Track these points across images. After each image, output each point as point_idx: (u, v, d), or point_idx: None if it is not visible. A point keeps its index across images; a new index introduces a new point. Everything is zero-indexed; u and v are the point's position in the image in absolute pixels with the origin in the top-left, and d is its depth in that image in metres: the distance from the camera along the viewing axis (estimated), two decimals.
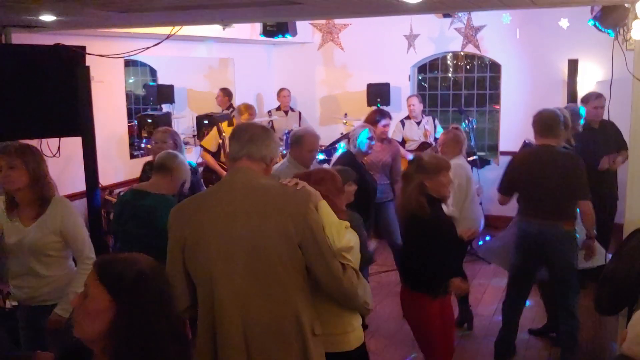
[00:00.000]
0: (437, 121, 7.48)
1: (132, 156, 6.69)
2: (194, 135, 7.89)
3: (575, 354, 4.12)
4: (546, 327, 4.74)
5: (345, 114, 7.92)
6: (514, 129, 7.25)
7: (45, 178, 3.13)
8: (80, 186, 4.68)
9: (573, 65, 6.81)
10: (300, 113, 8.21)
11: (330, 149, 7.01)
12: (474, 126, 7.38)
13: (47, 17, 3.91)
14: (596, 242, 4.13)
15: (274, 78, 8.60)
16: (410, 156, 6.13)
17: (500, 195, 4.30)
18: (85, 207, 4.58)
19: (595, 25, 4.40)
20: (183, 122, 8.35)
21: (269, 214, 2.24)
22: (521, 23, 7.23)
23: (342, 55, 8.28)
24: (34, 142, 3.58)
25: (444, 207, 3.44)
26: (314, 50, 8.35)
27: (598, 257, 4.14)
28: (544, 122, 4.08)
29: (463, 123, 7.01)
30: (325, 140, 7.45)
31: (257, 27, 6.81)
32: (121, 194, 4.45)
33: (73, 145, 4.49)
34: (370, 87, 7.97)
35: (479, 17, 7.42)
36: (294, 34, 6.92)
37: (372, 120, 5.38)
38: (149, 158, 5.08)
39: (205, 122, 7.32)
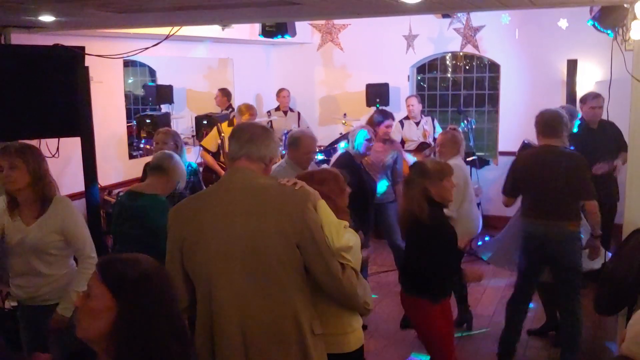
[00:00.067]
0: (436, 121, 7.49)
1: (131, 156, 6.69)
2: (193, 136, 7.88)
3: (575, 354, 4.11)
4: (545, 327, 4.74)
5: (345, 114, 7.91)
6: (513, 129, 7.25)
7: (46, 177, 3.14)
8: (79, 186, 4.68)
9: (572, 65, 6.82)
10: (299, 113, 8.21)
11: (329, 149, 7.02)
12: (473, 126, 7.37)
13: (47, 18, 3.91)
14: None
15: (273, 78, 8.59)
16: (408, 156, 6.13)
17: (504, 197, 4.27)
18: (84, 208, 4.58)
19: (594, 26, 4.40)
20: (182, 123, 8.34)
21: (268, 213, 2.24)
22: (520, 23, 7.23)
23: (342, 56, 8.28)
24: (33, 143, 3.58)
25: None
26: (313, 51, 8.34)
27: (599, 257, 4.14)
28: (547, 122, 4.05)
29: (462, 123, 7.00)
30: (324, 141, 7.47)
31: (257, 27, 6.80)
32: (120, 194, 4.45)
33: (72, 145, 4.49)
34: (369, 87, 7.97)
35: (478, 18, 7.41)
36: (293, 34, 6.92)
37: (374, 120, 5.37)
38: (149, 158, 5.07)
39: (205, 122, 7.33)
